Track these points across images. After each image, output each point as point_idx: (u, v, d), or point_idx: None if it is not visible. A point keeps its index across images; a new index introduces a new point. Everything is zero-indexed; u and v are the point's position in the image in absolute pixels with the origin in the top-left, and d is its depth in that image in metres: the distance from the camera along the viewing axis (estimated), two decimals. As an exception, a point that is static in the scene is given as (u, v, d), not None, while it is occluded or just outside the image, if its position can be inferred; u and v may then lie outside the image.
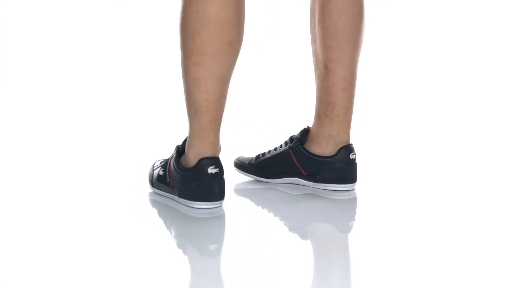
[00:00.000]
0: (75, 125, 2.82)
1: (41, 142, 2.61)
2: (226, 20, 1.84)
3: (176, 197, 1.94)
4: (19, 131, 2.75)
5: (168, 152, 2.10)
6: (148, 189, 2.05)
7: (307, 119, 2.08)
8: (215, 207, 1.90)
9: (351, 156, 2.00)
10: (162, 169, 2.00)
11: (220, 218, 1.88)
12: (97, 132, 2.73)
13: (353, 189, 2.01)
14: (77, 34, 3.82)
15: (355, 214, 1.93)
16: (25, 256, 1.61)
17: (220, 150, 1.97)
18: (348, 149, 1.99)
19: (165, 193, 1.99)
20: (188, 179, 1.90)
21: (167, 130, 2.71)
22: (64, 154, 2.45)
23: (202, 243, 1.73)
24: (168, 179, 1.96)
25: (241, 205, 1.94)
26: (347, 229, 1.82)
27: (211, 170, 1.88)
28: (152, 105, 3.12)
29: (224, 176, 1.90)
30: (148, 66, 3.59)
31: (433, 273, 1.52)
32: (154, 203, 1.98)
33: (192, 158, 1.92)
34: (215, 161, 1.89)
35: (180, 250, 1.70)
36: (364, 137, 2.52)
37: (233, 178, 2.11)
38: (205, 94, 1.87)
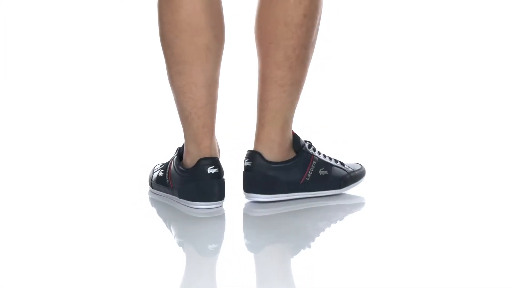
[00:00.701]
0: (76, 126, 2.82)
1: (41, 142, 2.61)
2: (197, 25, 1.85)
3: (176, 198, 1.94)
4: (19, 131, 2.75)
5: (168, 153, 2.10)
6: (147, 189, 2.05)
7: (307, 117, 2.07)
8: (215, 207, 1.90)
9: (245, 163, 1.93)
10: (162, 170, 2.00)
11: (220, 218, 1.88)
12: (98, 133, 2.73)
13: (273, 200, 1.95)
14: (77, 35, 3.82)
15: (357, 215, 1.93)
16: (25, 256, 1.61)
17: (219, 152, 1.97)
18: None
19: (165, 194, 1.99)
20: (188, 180, 1.90)
21: (167, 131, 2.71)
22: (65, 154, 2.45)
23: (202, 242, 1.73)
24: (167, 180, 1.96)
25: (241, 205, 1.94)
26: (349, 229, 1.82)
27: (211, 170, 1.88)
28: (153, 107, 3.12)
29: (224, 177, 1.90)
30: (148, 68, 3.59)
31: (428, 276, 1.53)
32: (154, 203, 1.98)
33: (190, 163, 1.92)
34: (214, 161, 1.89)
35: (180, 249, 1.70)
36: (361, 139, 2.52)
37: (233, 178, 2.11)
38: (192, 101, 1.88)
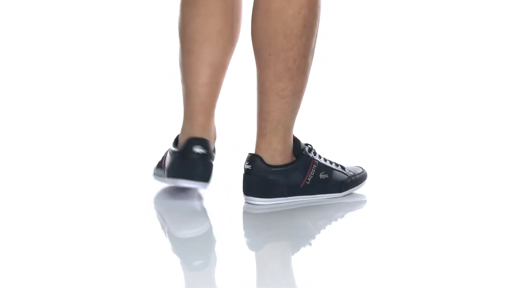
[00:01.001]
0: (75, 125, 2.82)
1: (41, 142, 2.61)
2: (213, 10, 1.93)
3: (166, 179, 1.97)
4: (19, 131, 2.75)
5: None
6: (148, 189, 2.06)
7: (306, 118, 2.07)
8: (198, 187, 1.92)
9: (246, 166, 1.92)
10: (162, 156, 2.05)
11: (220, 216, 1.88)
12: (97, 133, 2.73)
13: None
14: (77, 34, 3.83)
15: (357, 213, 1.93)
16: (25, 256, 1.61)
17: (214, 137, 2.00)
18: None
19: (160, 178, 2.03)
20: (176, 158, 1.93)
21: (167, 130, 2.71)
22: (64, 154, 2.45)
23: (202, 241, 1.73)
24: (163, 163, 2.00)
25: (241, 203, 1.94)
26: (349, 228, 1.82)
27: (197, 149, 1.90)
28: (153, 106, 3.12)
29: (212, 161, 1.92)
30: (148, 67, 3.59)
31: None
32: (154, 203, 1.98)
33: (182, 142, 1.95)
34: (203, 142, 1.91)
35: (181, 249, 1.70)
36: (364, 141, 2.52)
37: (233, 177, 2.11)
38: (193, 78, 1.94)
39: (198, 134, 1.94)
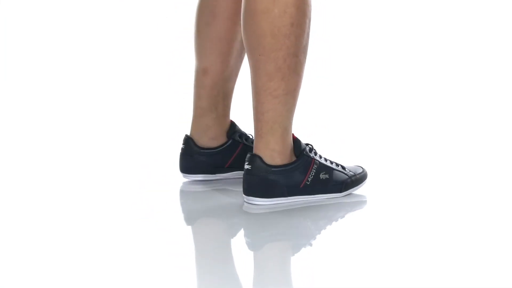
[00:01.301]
0: (75, 125, 2.82)
1: (41, 142, 2.60)
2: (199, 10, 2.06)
3: None
4: (19, 131, 2.75)
5: (169, 152, 2.10)
6: (148, 188, 2.06)
7: (306, 118, 2.07)
8: (188, 179, 2.10)
9: (246, 166, 1.92)
10: None
11: (220, 216, 1.88)
12: (97, 132, 2.73)
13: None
14: (77, 34, 3.83)
15: (357, 213, 1.92)
16: (25, 256, 1.61)
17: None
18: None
19: None
20: None
21: (167, 130, 2.71)
22: (64, 154, 2.44)
23: (202, 241, 1.73)
24: None
25: (241, 203, 1.94)
26: (350, 228, 1.82)
27: (182, 146, 2.10)
28: (153, 105, 3.12)
29: (191, 155, 2.06)
30: (149, 66, 3.59)
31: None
32: (154, 203, 1.98)
33: None
34: (184, 139, 2.09)
35: (180, 248, 1.70)
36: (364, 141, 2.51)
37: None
38: None
39: (189, 133, 2.10)
